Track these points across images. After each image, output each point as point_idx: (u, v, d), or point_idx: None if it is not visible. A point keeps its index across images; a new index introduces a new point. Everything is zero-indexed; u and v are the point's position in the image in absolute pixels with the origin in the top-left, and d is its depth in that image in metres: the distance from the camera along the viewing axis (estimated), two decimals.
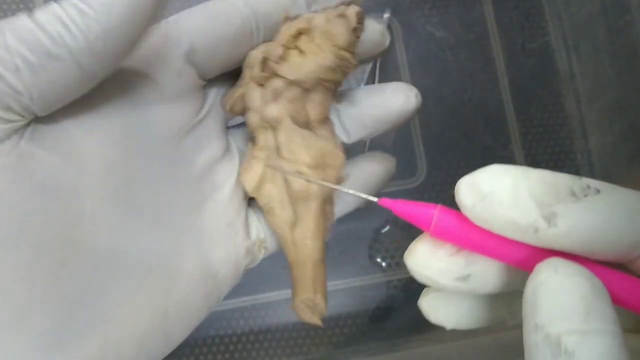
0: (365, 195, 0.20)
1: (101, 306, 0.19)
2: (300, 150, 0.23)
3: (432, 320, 0.20)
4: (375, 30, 0.24)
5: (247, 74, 0.23)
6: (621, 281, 0.16)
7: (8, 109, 0.17)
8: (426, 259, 0.18)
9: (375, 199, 0.19)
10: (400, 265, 0.45)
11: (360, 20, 0.23)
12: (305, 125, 0.23)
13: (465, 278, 0.17)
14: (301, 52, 0.22)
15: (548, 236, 0.16)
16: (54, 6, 0.17)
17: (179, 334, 0.22)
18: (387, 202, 0.18)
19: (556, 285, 0.15)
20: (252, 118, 0.23)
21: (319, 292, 0.23)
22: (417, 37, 0.47)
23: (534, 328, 0.14)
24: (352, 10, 0.22)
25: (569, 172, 0.50)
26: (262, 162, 0.23)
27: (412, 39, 0.47)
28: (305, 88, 0.23)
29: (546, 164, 0.47)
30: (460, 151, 0.46)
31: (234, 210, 0.24)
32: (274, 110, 0.23)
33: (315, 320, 0.24)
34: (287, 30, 0.22)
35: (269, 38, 0.23)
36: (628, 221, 0.15)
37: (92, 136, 0.20)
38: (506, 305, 0.19)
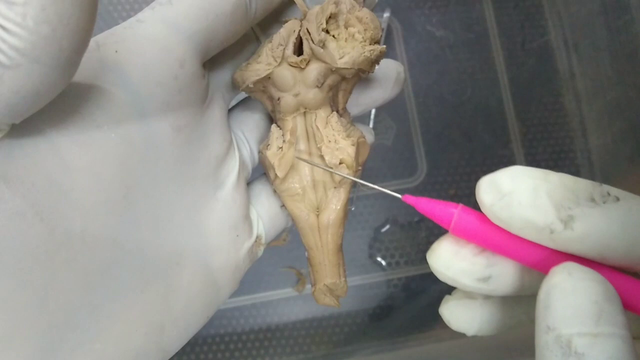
0: (390, 192, 0.20)
1: (92, 325, 0.18)
2: (343, 139, 0.23)
3: (453, 327, 0.20)
4: None
5: (277, 53, 0.22)
6: (633, 287, 0.16)
7: None
8: (448, 259, 0.18)
9: (399, 196, 0.20)
10: (400, 264, 0.45)
11: None
12: (337, 112, 0.24)
13: (485, 279, 0.18)
14: (333, 37, 0.22)
15: (563, 239, 0.16)
16: None
17: (175, 347, 0.21)
18: (410, 199, 0.19)
19: (569, 288, 0.15)
20: (289, 102, 0.23)
21: (342, 276, 0.24)
22: (416, 36, 0.48)
23: (546, 329, 0.15)
24: None
25: (569, 171, 0.50)
26: (292, 147, 0.23)
27: (412, 38, 0.47)
28: (343, 76, 0.23)
29: (546, 163, 0.47)
30: (460, 150, 0.46)
31: (236, 210, 0.23)
32: (317, 96, 0.22)
33: (334, 303, 0.25)
34: (322, 14, 0.22)
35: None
36: None
37: (82, 148, 0.18)
38: (525, 311, 0.20)
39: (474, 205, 0.18)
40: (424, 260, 0.45)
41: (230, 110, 0.25)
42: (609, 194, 0.16)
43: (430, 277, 0.45)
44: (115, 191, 0.19)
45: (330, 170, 0.23)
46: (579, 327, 0.14)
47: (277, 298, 0.44)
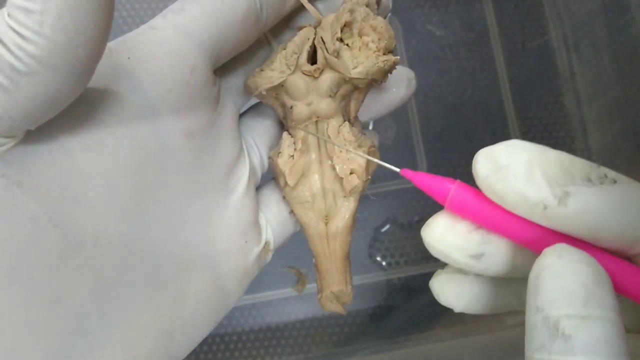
0: (388, 165, 0.21)
1: (103, 331, 0.19)
2: (354, 149, 0.23)
3: (442, 301, 0.20)
4: None
5: (291, 61, 0.22)
6: (625, 270, 0.16)
7: None
8: (442, 234, 0.18)
9: (397, 169, 0.20)
10: (400, 264, 0.45)
11: (379, 2, 0.23)
12: (348, 121, 0.24)
13: (478, 256, 0.18)
14: (347, 45, 0.22)
15: (556, 215, 0.16)
16: (3, 12, 0.15)
17: (183, 352, 0.22)
18: (408, 173, 0.19)
19: (559, 270, 0.15)
20: (301, 110, 0.23)
21: (349, 284, 0.24)
22: (417, 35, 0.48)
23: (535, 309, 0.15)
24: None
25: None
26: (304, 155, 0.23)
27: (412, 38, 0.47)
28: (356, 86, 0.23)
29: None
30: (460, 150, 0.46)
31: (246, 216, 0.23)
32: (330, 106, 0.22)
33: (339, 309, 0.25)
34: (337, 23, 0.22)
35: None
36: (637, 214, 0.16)
37: (94, 154, 0.18)
38: (516, 294, 0.20)
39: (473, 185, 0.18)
40: (424, 260, 0.45)
41: (241, 116, 0.25)
42: (606, 176, 0.16)
43: (430, 277, 0.45)
44: (127, 197, 0.19)
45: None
46: (566, 309, 0.14)
47: (277, 298, 0.44)
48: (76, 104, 0.17)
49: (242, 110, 0.25)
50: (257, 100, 0.25)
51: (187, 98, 0.20)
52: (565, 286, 0.15)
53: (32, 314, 0.17)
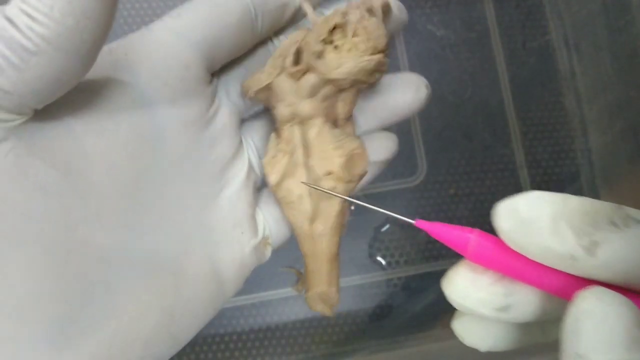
0: (402, 217, 0.20)
1: (108, 303, 0.19)
2: (332, 150, 0.23)
3: (465, 342, 0.19)
4: (394, 8, 0.24)
5: (278, 63, 0.22)
6: None
7: (1, 109, 0.17)
8: (465, 289, 0.18)
9: (412, 221, 0.19)
10: (400, 263, 0.45)
11: (387, 11, 0.23)
12: (334, 122, 0.24)
13: (505, 308, 0.17)
14: (335, 47, 0.22)
15: (586, 266, 0.16)
16: None
17: (184, 336, 0.22)
18: (424, 225, 0.18)
19: (599, 314, 0.14)
20: (282, 111, 0.23)
21: (333, 285, 0.24)
22: (417, 35, 0.47)
23: (575, 356, 0.14)
24: (378, 3, 0.22)
25: (569, 171, 0.50)
26: (287, 156, 0.23)
27: (413, 38, 0.47)
28: (340, 87, 0.23)
29: (546, 163, 0.47)
30: (461, 150, 0.46)
31: (242, 209, 0.24)
32: (309, 107, 0.23)
33: (326, 311, 0.25)
34: (325, 25, 0.22)
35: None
36: None
37: (97, 136, 0.20)
38: (540, 329, 0.19)
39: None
40: (424, 260, 0.45)
41: (248, 119, 0.26)
42: (629, 216, 0.16)
43: (430, 277, 0.45)
44: (127, 178, 0.20)
45: (336, 195, 0.23)
46: (610, 355, 0.14)
47: (277, 298, 0.44)
48: (79, 91, 0.18)
49: (251, 113, 0.26)
50: None
51: (182, 92, 0.22)
52: (607, 331, 0.14)
53: (46, 274, 0.18)
